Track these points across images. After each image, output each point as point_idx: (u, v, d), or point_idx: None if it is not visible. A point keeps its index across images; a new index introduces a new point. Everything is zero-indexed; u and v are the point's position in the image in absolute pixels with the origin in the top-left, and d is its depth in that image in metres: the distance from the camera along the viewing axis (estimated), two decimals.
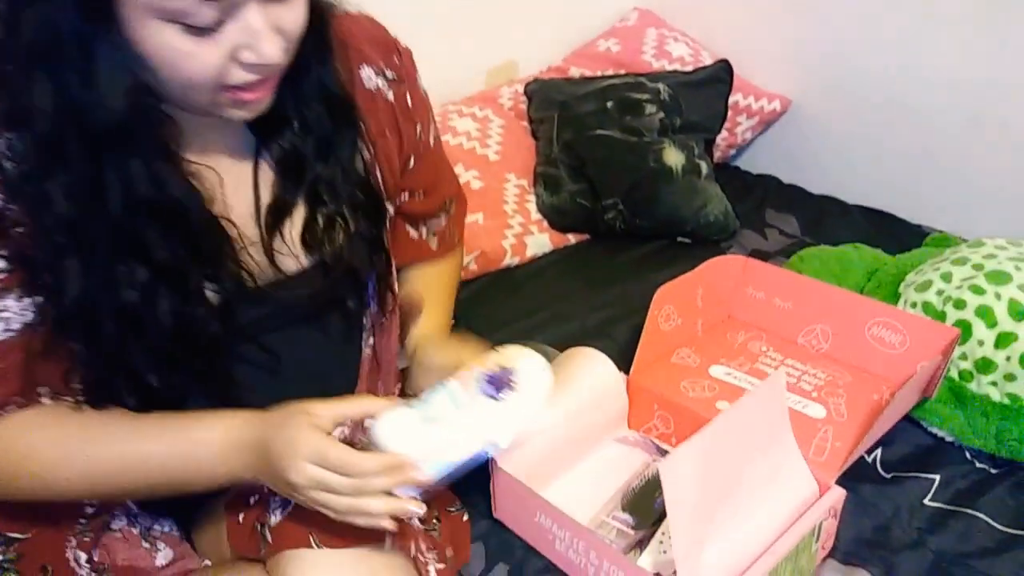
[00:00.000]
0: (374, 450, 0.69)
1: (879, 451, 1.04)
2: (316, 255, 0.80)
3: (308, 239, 0.79)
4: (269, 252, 0.77)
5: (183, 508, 0.91)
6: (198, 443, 0.72)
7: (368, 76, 0.82)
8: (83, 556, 0.81)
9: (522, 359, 0.73)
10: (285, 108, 0.73)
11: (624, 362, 1.09)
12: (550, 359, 0.74)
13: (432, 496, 0.81)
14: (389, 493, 0.68)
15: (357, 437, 0.76)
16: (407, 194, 0.94)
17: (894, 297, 1.17)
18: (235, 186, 0.76)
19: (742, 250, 1.54)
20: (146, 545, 0.86)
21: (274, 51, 0.62)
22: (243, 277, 0.76)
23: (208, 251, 0.73)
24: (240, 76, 0.63)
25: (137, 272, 0.67)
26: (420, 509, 0.69)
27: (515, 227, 1.54)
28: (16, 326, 0.68)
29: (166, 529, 0.90)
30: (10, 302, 0.68)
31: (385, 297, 0.91)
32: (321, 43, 0.73)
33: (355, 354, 0.92)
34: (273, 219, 0.77)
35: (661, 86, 1.63)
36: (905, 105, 1.65)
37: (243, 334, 0.77)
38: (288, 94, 0.72)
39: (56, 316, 0.68)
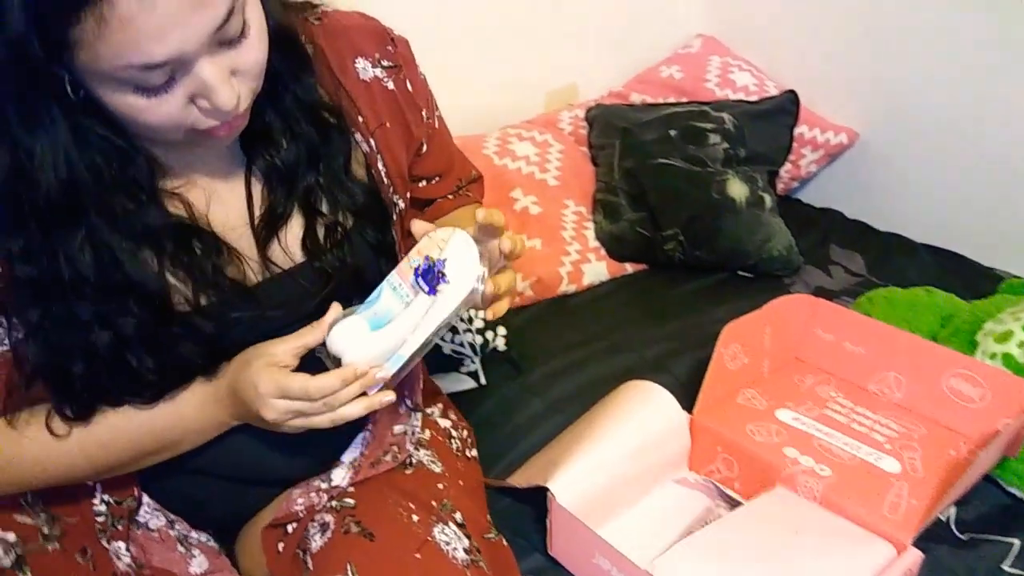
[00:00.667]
0: (334, 364, 0.72)
1: (954, 510, 0.99)
2: (317, 263, 0.80)
3: (309, 247, 0.80)
4: (264, 258, 0.78)
5: (224, 525, 0.91)
6: (179, 402, 0.76)
7: (363, 68, 0.83)
8: (122, 546, 0.82)
9: (451, 243, 0.73)
10: (270, 125, 0.75)
11: (684, 399, 1.06)
12: (477, 240, 0.73)
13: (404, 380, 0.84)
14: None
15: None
16: (424, 181, 0.95)
17: (971, 346, 1.13)
18: (227, 199, 0.77)
19: (805, 287, 1.50)
20: (181, 550, 0.87)
21: (229, 99, 0.62)
22: (237, 284, 0.76)
23: (203, 267, 0.73)
24: (203, 121, 0.65)
25: (100, 338, 0.68)
26: (391, 397, 0.73)
27: (572, 254, 1.52)
28: (7, 342, 0.70)
29: (203, 539, 0.91)
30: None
31: None
32: (293, 60, 0.74)
33: None
34: (266, 231, 0.78)
35: (726, 115, 1.60)
36: (978, 141, 1.60)
37: (230, 344, 0.77)
38: (271, 112, 0.75)
39: (32, 361, 0.69)
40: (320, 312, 0.76)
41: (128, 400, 0.74)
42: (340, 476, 0.88)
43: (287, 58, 0.73)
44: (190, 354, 0.74)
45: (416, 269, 0.73)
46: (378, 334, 0.72)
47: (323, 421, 0.72)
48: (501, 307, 0.79)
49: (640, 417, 1.03)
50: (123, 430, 0.75)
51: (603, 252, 1.56)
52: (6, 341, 0.70)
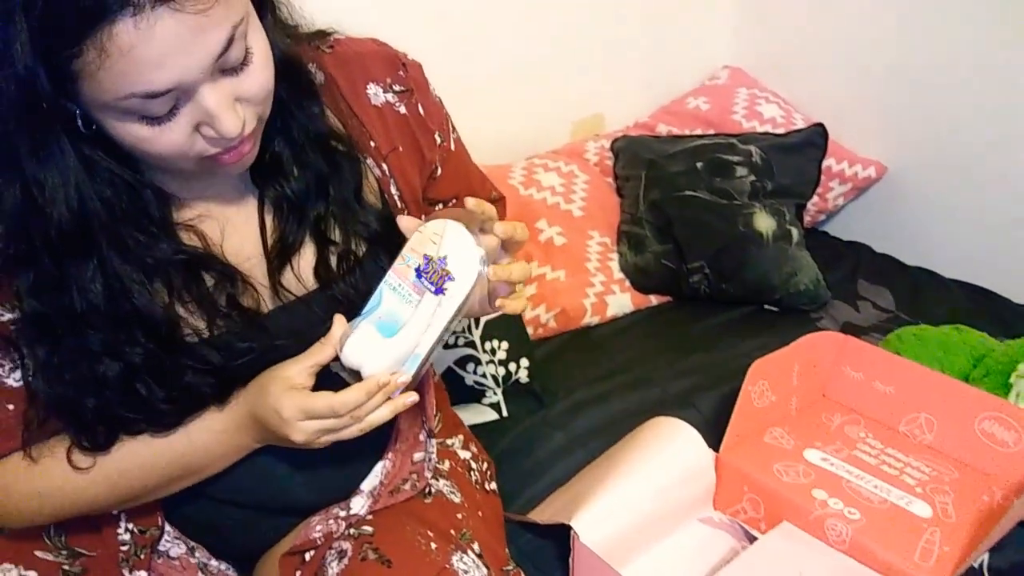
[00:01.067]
0: (352, 378, 0.72)
1: (987, 556, 0.96)
2: (330, 291, 0.79)
3: (322, 275, 0.79)
4: (276, 285, 0.78)
5: (244, 553, 0.91)
6: (200, 430, 0.76)
7: (375, 93, 0.83)
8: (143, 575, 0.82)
9: (447, 235, 0.72)
10: (279, 155, 0.76)
11: (709, 435, 1.05)
12: (472, 230, 0.72)
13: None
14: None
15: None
16: (441, 204, 0.94)
17: (1004, 388, 1.11)
18: (241, 229, 0.78)
19: (833, 322, 1.48)
20: None
21: (233, 125, 0.63)
22: (250, 311, 0.76)
23: (213, 299, 0.74)
24: (208, 148, 0.65)
25: (110, 367, 0.69)
26: (415, 397, 0.73)
27: (596, 285, 1.52)
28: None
29: (223, 567, 0.91)
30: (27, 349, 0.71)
31: None
32: (299, 90, 0.75)
33: None
34: (279, 259, 0.78)
35: (753, 148, 1.59)
36: (1009, 176, 1.58)
37: (240, 371, 0.76)
38: (280, 141, 0.75)
39: (43, 397, 0.70)
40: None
41: (144, 430, 0.74)
42: (359, 504, 0.88)
43: (293, 88, 0.74)
44: (201, 384, 0.74)
45: (417, 269, 0.72)
46: (392, 340, 0.72)
47: (352, 432, 0.73)
48: (518, 304, 0.78)
49: (665, 455, 1.02)
50: (146, 459, 0.75)
51: (628, 284, 1.55)
52: (18, 375, 0.71)
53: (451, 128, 0.93)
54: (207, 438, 0.76)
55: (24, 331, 0.67)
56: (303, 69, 0.75)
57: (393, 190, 0.85)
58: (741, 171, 1.56)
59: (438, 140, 0.89)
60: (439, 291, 0.72)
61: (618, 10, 1.80)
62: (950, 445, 1.07)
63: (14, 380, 0.71)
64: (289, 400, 0.70)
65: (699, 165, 1.57)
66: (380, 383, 0.70)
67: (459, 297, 0.71)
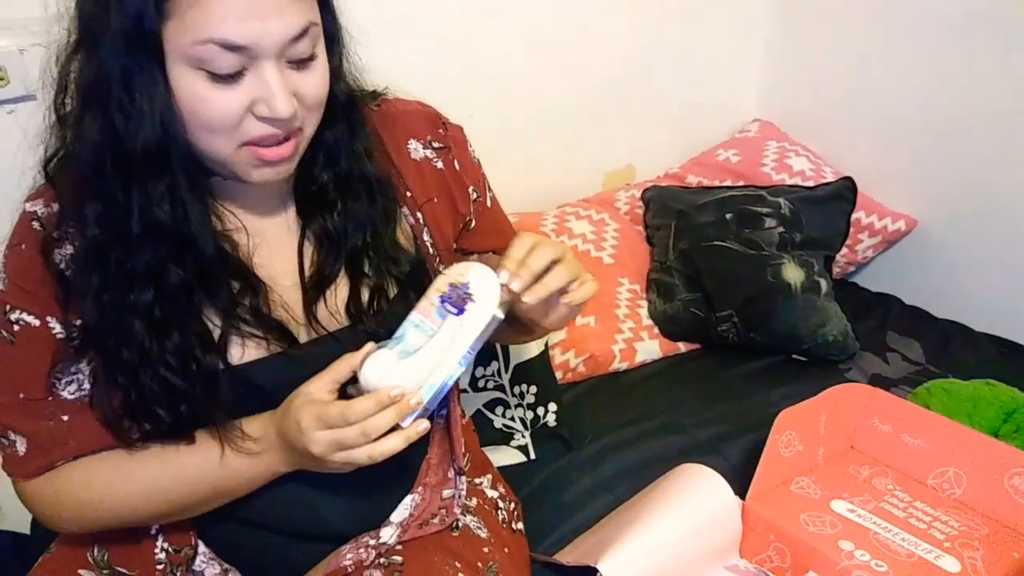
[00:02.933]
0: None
1: None
2: (360, 325, 0.83)
3: (353, 309, 0.83)
4: (311, 317, 0.82)
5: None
6: (231, 455, 0.79)
7: (415, 148, 0.89)
8: None
9: (470, 270, 0.76)
10: (325, 188, 0.81)
11: (736, 483, 1.06)
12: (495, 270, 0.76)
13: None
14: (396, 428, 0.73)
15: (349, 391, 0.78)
16: (477, 255, 0.98)
17: None
18: (280, 254, 0.82)
19: (862, 374, 1.48)
20: None
21: (286, 107, 0.68)
22: (282, 334, 0.80)
23: (236, 301, 0.77)
24: (256, 128, 0.70)
25: (145, 291, 0.73)
26: (426, 426, 0.74)
27: (625, 332, 1.54)
28: (86, 387, 0.78)
29: None
30: (83, 366, 0.77)
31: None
32: (354, 133, 0.81)
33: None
34: (315, 289, 0.82)
35: (782, 200, 1.62)
36: None
37: (267, 396, 0.80)
38: (328, 175, 0.81)
39: (82, 338, 0.75)
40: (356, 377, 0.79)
41: (163, 421, 0.77)
42: (388, 534, 0.90)
43: (349, 129, 0.80)
44: (230, 404, 0.77)
45: (441, 297, 0.75)
46: (408, 362, 0.74)
47: (363, 455, 0.73)
48: (584, 291, 0.81)
49: (692, 501, 1.03)
50: (178, 470, 0.79)
51: (656, 331, 1.57)
52: (73, 387, 0.77)
53: (487, 186, 0.99)
54: (238, 460, 0.79)
55: (83, 260, 0.73)
56: (361, 114, 0.82)
57: (426, 238, 0.90)
58: (770, 222, 1.58)
59: (473, 195, 0.95)
60: (460, 311, 0.75)
61: (649, 64, 1.85)
62: (980, 500, 1.06)
63: (68, 393, 0.77)
64: (307, 410, 0.73)
65: (728, 216, 1.60)
66: (392, 396, 0.72)
67: (479, 322, 0.74)
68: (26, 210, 0.76)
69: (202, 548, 0.90)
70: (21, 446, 0.78)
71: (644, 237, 1.73)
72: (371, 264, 0.84)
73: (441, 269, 0.91)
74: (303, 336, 0.82)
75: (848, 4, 1.81)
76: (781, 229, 1.57)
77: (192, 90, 0.66)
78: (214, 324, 0.77)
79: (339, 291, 0.84)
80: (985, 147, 1.63)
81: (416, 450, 0.91)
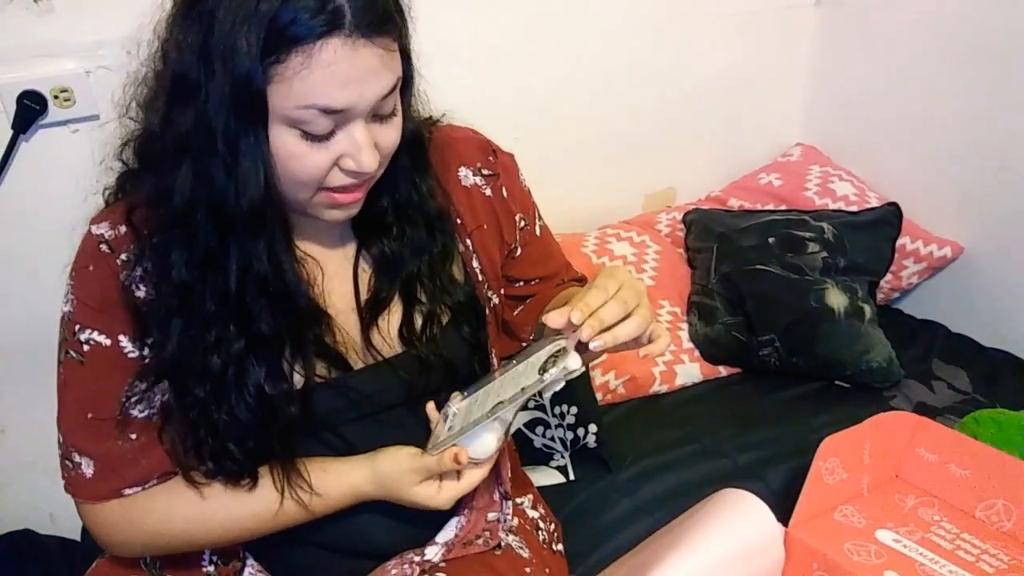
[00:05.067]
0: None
1: None
2: (413, 350, 0.85)
3: (405, 334, 0.85)
4: (366, 343, 0.84)
5: None
6: (316, 498, 0.82)
7: (465, 175, 0.91)
8: None
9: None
10: (385, 216, 0.84)
11: (778, 510, 1.05)
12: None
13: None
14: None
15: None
16: (522, 282, 1.00)
17: None
18: (336, 280, 0.84)
19: (906, 401, 1.46)
20: None
21: (371, 162, 0.71)
22: (339, 361, 0.82)
23: (307, 334, 0.80)
24: (339, 180, 0.73)
25: (234, 342, 0.75)
26: (483, 470, 0.82)
27: (666, 354, 1.53)
28: (156, 404, 0.79)
29: None
30: (153, 381, 0.78)
31: None
32: (419, 163, 0.84)
33: None
34: (371, 313, 0.84)
35: (825, 225, 1.61)
36: None
37: (323, 422, 0.83)
38: (388, 202, 0.83)
39: (157, 371, 0.77)
40: (410, 402, 0.85)
41: (210, 459, 0.79)
42: (433, 552, 0.91)
43: (413, 160, 0.83)
44: (288, 423, 0.79)
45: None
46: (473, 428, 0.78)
47: (448, 495, 0.81)
48: (657, 346, 0.84)
49: (734, 527, 1.02)
50: (244, 514, 0.82)
51: (697, 354, 1.57)
52: (142, 406, 0.78)
53: (536, 214, 1.00)
54: (331, 497, 0.83)
55: (165, 302, 0.74)
56: (425, 147, 0.85)
57: (475, 264, 0.92)
58: (813, 247, 1.57)
59: (520, 223, 0.96)
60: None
61: (691, 88, 1.85)
62: None
63: (138, 412, 0.79)
64: (424, 491, 0.80)
65: (771, 240, 1.59)
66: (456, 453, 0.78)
67: (551, 387, 0.77)
68: (92, 232, 0.77)
69: (250, 561, 0.92)
70: (87, 468, 0.79)
71: (685, 260, 1.73)
72: (425, 291, 0.86)
73: (489, 295, 0.94)
74: (357, 361, 0.84)
75: (892, 27, 1.80)
76: (824, 254, 1.56)
77: (286, 147, 0.69)
78: (286, 357, 0.79)
79: (392, 316, 0.86)
80: None
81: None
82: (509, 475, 0.99)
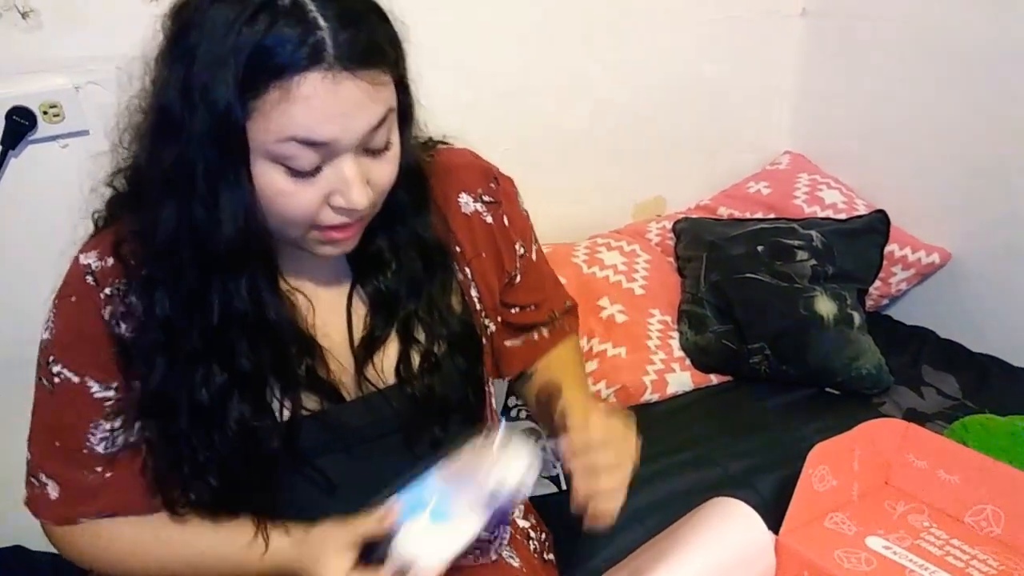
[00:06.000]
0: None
1: None
2: (407, 388, 0.84)
3: (402, 372, 0.84)
4: (360, 376, 0.83)
5: None
6: (248, 554, 0.80)
7: (466, 202, 0.89)
8: None
9: (512, 473, 0.75)
10: (381, 250, 0.82)
11: (769, 518, 1.05)
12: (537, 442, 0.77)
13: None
14: None
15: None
16: (517, 308, 0.98)
17: None
18: (332, 313, 0.83)
19: (896, 408, 1.46)
20: None
21: (362, 199, 0.69)
22: (332, 393, 0.81)
23: (298, 367, 0.79)
24: (330, 217, 0.70)
25: (216, 377, 0.74)
26: None
27: (657, 363, 1.54)
28: (119, 443, 0.79)
29: None
30: (116, 424, 0.78)
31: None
32: (417, 197, 0.82)
33: None
34: (365, 351, 0.83)
35: (814, 233, 1.62)
36: None
37: (307, 456, 0.81)
38: (384, 238, 0.81)
39: (140, 403, 0.76)
40: (403, 437, 0.83)
41: (191, 491, 0.79)
42: None
43: (412, 194, 0.80)
44: (271, 452, 0.78)
45: (490, 494, 0.75)
46: (441, 527, 0.75)
47: None
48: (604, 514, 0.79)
49: (725, 535, 1.02)
50: (195, 560, 0.82)
51: (688, 362, 1.57)
52: (119, 442, 0.79)
53: (534, 239, 0.99)
54: (248, 556, 0.81)
55: (150, 338, 0.74)
56: (425, 182, 0.83)
57: (473, 293, 0.90)
58: (802, 255, 1.58)
59: (520, 251, 0.95)
60: (494, 526, 0.77)
61: (680, 97, 1.87)
62: (1019, 539, 1.04)
63: (102, 449, 0.78)
64: (330, 561, 0.74)
65: (760, 248, 1.60)
66: (406, 566, 0.73)
67: (517, 497, 0.76)
68: (80, 262, 0.76)
69: None
70: (53, 491, 0.80)
71: (675, 268, 1.74)
72: (422, 327, 0.85)
73: (486, 322, 0.92)
74: (350, 393, 0.83)
75: (880, 36, 1.82)
76: (813, 262, 1.57)
77: (271, 184, 0.67)
78: (272, 391, 0.78)
79: (388, 352, 0.84)
80: (1020, 180, 1.62)
81: None
82: None
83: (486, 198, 0.91)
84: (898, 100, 1.81)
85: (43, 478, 0.80)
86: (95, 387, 0.77)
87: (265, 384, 0.77)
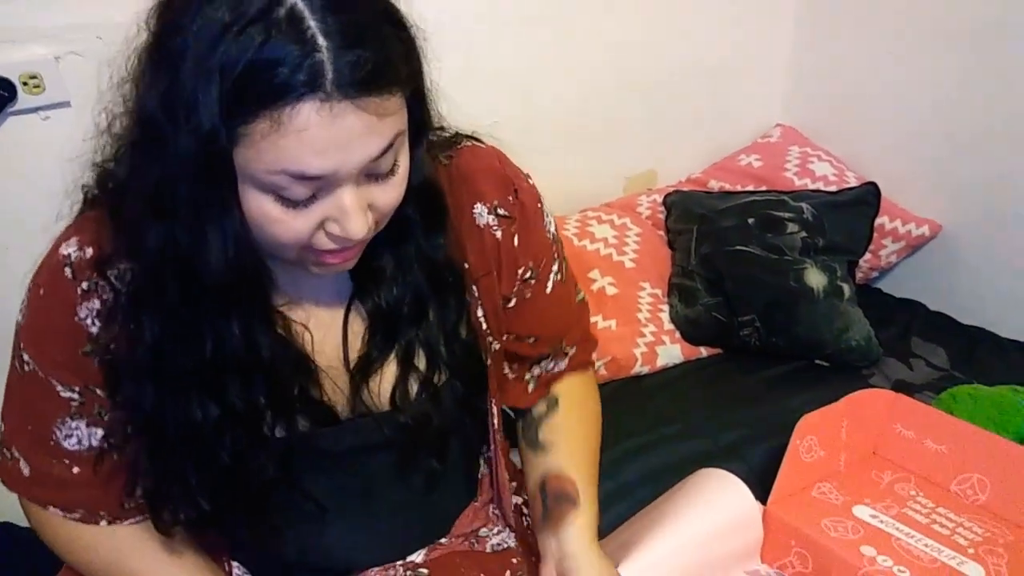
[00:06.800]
0: None
1: None
2: (403, 417, 0.79)
3: (398, 400, 0.79)
4: (354, 402, 0.78)
5: None
6: None
7: (480, 213, 0.80)
8: None
9: None
10: (383, 266, 0.75)
11: (757, 488, 1.05)
12: None
13: None
14: None
15: None
16: (513, 335, 0.89)
17: None
18: (326, 329, 0.77)
19: (885, 380, 1.47)
20: None
21: (360, 228, 0.62)
22: (326, 415, 0.77)
23: (291, 390, 0.74)
24: (324, 243, 0.64)
25: (209, 408, 0.69)
26: None
27: (647, 336, 1.54)
28: (85, 445, 0.75)
29: None
30: (80, 424, 0.74)
31: (477, 458, 0.95)
32: (430, 217, 0.74)
33: (452, 502, 0.95)
34: (362, 373, 0.78)
35: (804, 205, 1.62)
36: None
37: (299, 478, 0.78)
38: (390, 255, 0.74)
39: (130, 426, 0.72)
40: (396, 464, 0.82)
41: (180, 511, 0.75)
42: (416, 554, 0.92)
43: (424, 213, 0.73)
44: (265, 478, 0.75)
45: None
46: None
47: None
48: None
49: (713, 506, 1.03)
50: None
51: (678, 335, 1.57)
52: (84, 444, 0.75)
53: (556, 268, 0.89)
54: None
55: (136, 363, 0.68)
56: (440, 199, 0.75)
57: (479, 313, 0.83)
58: (792, 227, 1.58)
59: (525, 274, 0.85)
60: None
61: (671, 69, 1.85)
62: (1005, 507, 1.05)
63: (69, 444, 0.75)
64: None
65: (750, 221, 1.60)
66: None
67: None
68: (59, 251, 0.70)
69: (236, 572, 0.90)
70: (24, 468, 0.77)
71: (666, 242, 1.74)
72: (424, 353, 0.79)
73: (491, 341, 0.85)
74: (344, 413, 0.79)
75: (871, 9, 1.80)
76: (804, 234, 1.57)
77: (260, 211, 0.60)
78: (266, 420, 0.74)
79: (385, 375, 0.79)
80: (1010, 152, 1.62)
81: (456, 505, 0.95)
82: (512, 505, 0.96)
83: (500, 211, 0.81)
84: (889, 73, 1.80)
85: (15, 452, 0.77)
86: (59, 387, 0.72)
87: (260, 417, 0.73)
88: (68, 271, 0.69)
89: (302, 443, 0.77)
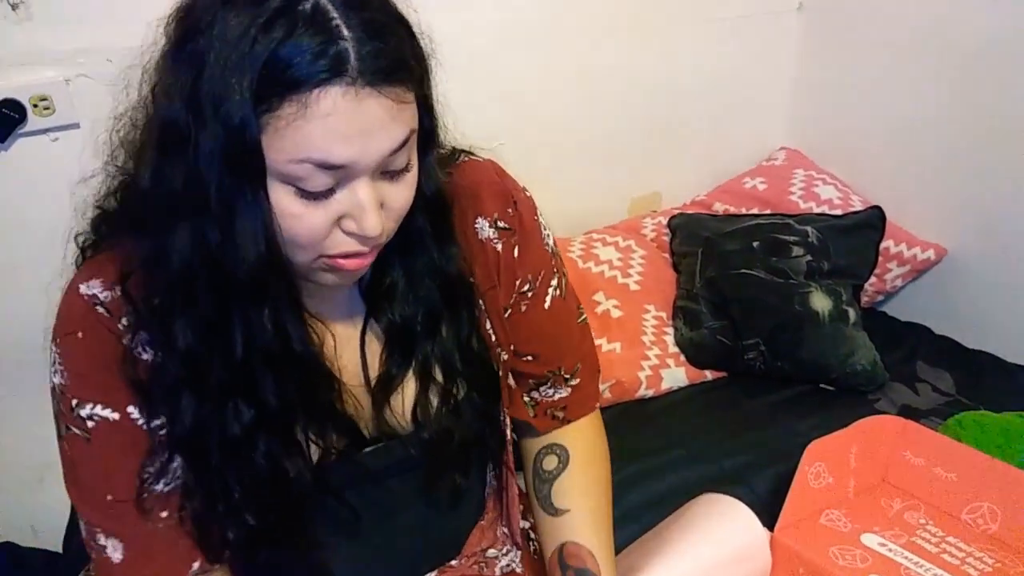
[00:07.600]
0: None
1: None
2: (423, 433, 0.79)
3: (419, 416, 0.79)
4: (378, 419, 0.78)
5: None
6: None
7: (481, 227, 0.81)
8: None
9: None
10: (395, 281, 0.75)
11: (764, 514, 1.04)
12: None
13: None
14: None
15: None
16: (512, 349, 0.89)
17: None
18: (348, 347, 0.77)
19: (891, 404, 1.46)
20: None
21: (375, 225, 0.63)
22: (352, 431, 0.77)
23: (318, 403, 0.74)
24: (341, 244, 0.65)
25: (244, 411, 0.69)
26: None
27: (652, 359, 1.53)
28: (168, 480, 0.72)
29: None
30: (166, 456, 0.71)
31: (500, 472, 0.93)
32: (440, 229, 0.75)
33: (465, 520, 0.94)
34: (382, 391, 0.78)
35: (809, 229, 1.62)
36: None
37: (333, 493, 0.78)
38: (400, 269, 0.75)
39: (170, 444, 0.70)
40: (421, 484, 0.82)
41: (228, 531, 0.74)
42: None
43: (435, 224, 0.74)
44: (303, 489, 0.73)
45: None
46: None
47: None
48: None
49: (719, 532, 1.02)
50: None
51: (683, 358, 1.57)
52: (177, 473, 0.72)
53: (555, 283, 0.88)
54: None
55: (171, 374, 0.67)
56: (448, 210, 0.76)
57: (488, 327, 0.84)
58: (797, 251, 1.58)
59: (523, 287, 0.85)
60: None
61: (676, 92, 1.86)
62: (1016, 537, 1.04)
63: (162, 486, 0.72)
64: None
65: (755, 244, 1.60)
66: None
67: None
68: (82, 293, 0.68)
69: None
70: (115, 552, 0.72)
71: (671, 264, 1.73)
72: (440, 367, 0.79)
73: (499, 351, 0.85)
74: (368, 431, 0.80)
75: (876, 33, 1.81)
76: (809, 258, 1.57)
77: (280, 205, 0.61)
78: (300, 426, 0.74)
79: (406, 392, 0.79)
80: (1015, 176, 1.62)
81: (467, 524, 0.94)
82: (520, 525, 0.96)
83: (501, 224, 0.81)
84: (894, 96, 1.81)
85: (101, 539, 0.72)
86: (138, 415, 0.70)
87: (293, 420, 0.72)
88: (102, 309, 0.68)
89: (335, 464, 0.77)
